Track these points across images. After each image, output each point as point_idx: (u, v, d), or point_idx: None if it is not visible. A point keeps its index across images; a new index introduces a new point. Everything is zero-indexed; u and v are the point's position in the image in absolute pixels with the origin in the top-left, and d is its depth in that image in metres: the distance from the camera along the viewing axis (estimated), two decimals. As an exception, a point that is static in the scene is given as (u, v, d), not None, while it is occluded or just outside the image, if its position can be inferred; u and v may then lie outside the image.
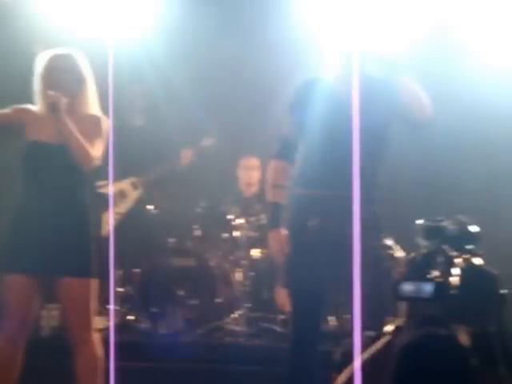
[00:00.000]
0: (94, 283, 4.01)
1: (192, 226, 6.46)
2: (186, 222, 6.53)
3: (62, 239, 3.94)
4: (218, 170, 6.89)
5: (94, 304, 4.02)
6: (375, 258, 3.56)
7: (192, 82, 6.55)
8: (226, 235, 6.32)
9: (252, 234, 6.23)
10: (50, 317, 5.66)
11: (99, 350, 4.04)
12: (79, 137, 3.90)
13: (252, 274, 6.16)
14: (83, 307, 3.97)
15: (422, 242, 2.95)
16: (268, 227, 3.97)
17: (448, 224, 2.98)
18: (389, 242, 3.99)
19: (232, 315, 5.96)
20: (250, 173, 6.68)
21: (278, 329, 5.85)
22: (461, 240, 2.99)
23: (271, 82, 6.35)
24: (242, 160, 6.74)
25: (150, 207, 6.50)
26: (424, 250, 2.93)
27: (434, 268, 2.88)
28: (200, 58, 6.71)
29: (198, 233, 6.43)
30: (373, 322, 3.16)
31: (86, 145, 3.89)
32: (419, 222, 3.00)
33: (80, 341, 4.01)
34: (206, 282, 6.09)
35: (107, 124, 4.03)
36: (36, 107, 4.06)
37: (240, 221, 6.25)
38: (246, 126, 6.76)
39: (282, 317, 5.87)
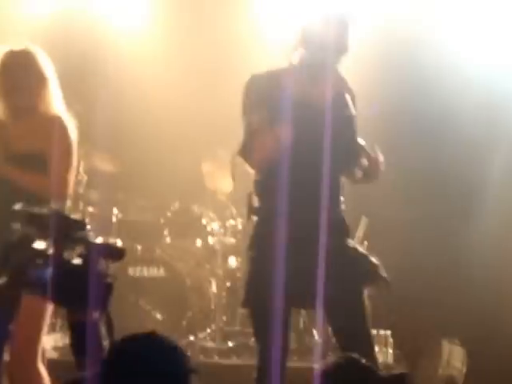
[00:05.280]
0: None
1: (162, 231, 6.20)
2: (155, 227, 6.26)
3: None
4: (191, 169, 6.58)
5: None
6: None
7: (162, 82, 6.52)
8: (199, 242, 6.13)
9: (228, 240, 6.06)
10: None
11: None
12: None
13: (228, 284, 5.97)
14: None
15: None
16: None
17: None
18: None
19: (206, 330, 5.83)
20: (209, 181, 6.42)
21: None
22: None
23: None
24: (204, 164, 6.45)
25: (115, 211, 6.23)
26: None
27: None
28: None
29: (168, 239, 6.17)
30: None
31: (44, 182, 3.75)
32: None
33: None
34: (176, 293, 5.89)
35: (71, 124, 3.91)
36: None
37: (214, 226, 6.07)
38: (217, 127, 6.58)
39: None
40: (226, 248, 6.02)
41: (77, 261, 2.49)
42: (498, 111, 6.30)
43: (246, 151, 3.49)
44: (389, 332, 5.54)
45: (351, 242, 3.62)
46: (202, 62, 6.65)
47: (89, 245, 2.51)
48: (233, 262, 6.03)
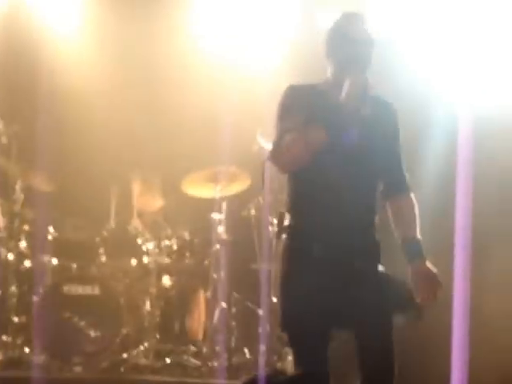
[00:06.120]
0: None
1: (97, 250, 6.10)
2: (90, 245, 6.15)
3: None
4: (126, 188, 6.57)
5: None
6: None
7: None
8: (134, 261, 6.06)
9: (163, 260, 6.04)
10: None
11: None
12: None
13: (162, 303, 5.96)
14: None
15: None
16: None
17: None
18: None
19: (139, 348, 5.79)
20: (147, 197, 6.47)
21: (189, 362, 5.70)
22: None
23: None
24: (134, 184, 6.46)
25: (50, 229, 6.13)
26: None
27: None
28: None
29: (103, 258, 6.08)
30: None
31: None
32: None
33: None
34: (110, 311, 5.81)
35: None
36: None
37: (149, 245, 6.03)
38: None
39: (193, 349, 5.76)
40: (161, 267, 6.00)
41: None
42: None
43: (275, 153, 3.28)
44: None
45: (381, 267, 3.37)
46: (137, 80, 6.64)
47: None
48: (167, 281, 6.02)
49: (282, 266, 3.33)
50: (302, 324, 3.22)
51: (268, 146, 5.73)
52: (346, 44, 3.31)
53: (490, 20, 5.83)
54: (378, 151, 3.35)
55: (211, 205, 6.10)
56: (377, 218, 3.38)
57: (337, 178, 3.27)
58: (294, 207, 3.36)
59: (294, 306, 3.25)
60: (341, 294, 3.21)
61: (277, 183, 5.52)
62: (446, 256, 4.63)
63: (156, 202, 6.52)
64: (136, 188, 6.42)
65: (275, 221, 5.66)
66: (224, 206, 6.07)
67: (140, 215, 6.40)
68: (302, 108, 3.28)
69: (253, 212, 6.08)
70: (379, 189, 3.42)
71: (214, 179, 6.11)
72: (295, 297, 3.24)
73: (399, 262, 3.35)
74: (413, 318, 3.33)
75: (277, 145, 3.27)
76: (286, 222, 3.34)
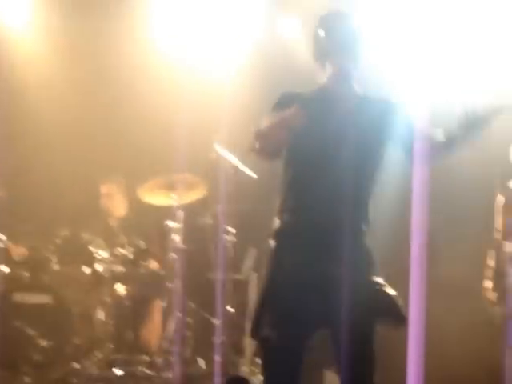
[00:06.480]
0: None
1: (50, 258, 6.02)
2: (43, 253, 6.06)
3: None
4: (81, 194, 6.53)
5: None
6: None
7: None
8: (87, 269, 5.97)
9: (117, 268, 5.95)
10: None
11: None
12: None
13: (115, 312, 5.89)
14: None
15: None
16: None
17: None
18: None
19: (92, 358, 5.72)
20: (107, 201, 6.43)
21: (143, 373, 5.66)
22: None
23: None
24: (103, 186, 6.44)
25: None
26: None
27: None
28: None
29: (56, 266, 6.00)
30: None
31: None
32: None
33: None
34: (62, 320, 5.78)
35: None
36: None
37: (104, 253, 5.96)
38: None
39: (147, 359, 5.72)
40: (115, 276, 5.93)
41: None
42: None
43: (257, 138, 3.28)
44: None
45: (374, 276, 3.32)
46: (96, 83, 6.58)
47: None
48: (121, 289, 5.94)
49: (266, 270, 3.34)
50: (276, 332, 3.21)
51: (225, 154, 5.75)
52: (330, 36, 3.32)
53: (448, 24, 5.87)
54: (363, 151, 3.32)
55: (167, 213, 6.04)
56: (367, 225, 3.37)
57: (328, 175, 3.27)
58: (281, 211, 3.36)
59: (270, 312, 3.25)
60: (319, 302, 3.21)
61: (234, 192, 5.49)
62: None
63: (121, 207, 6.47)
64: (105, 189, 6.41)
65: (231, 229, 5.67)
66: (180, 214, 6.02)
67: (100, 222, 6.36)
68: (288, 105, 3.29)
69: (209, 221, 6.04)
70: (372, 193, 3.38)
71: (170, 187, 6.06)
72: (272, 303, 3.25)
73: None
74: (394, 326, 3.29)
75: (258, 130, 3.28)
76: (275, 226, 3.35)
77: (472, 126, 3.27)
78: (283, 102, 3.32)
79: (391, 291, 3.30)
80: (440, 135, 3.37)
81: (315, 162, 3.31)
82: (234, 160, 5.77)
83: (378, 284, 3.29)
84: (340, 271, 3.20)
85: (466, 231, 5.81)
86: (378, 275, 3.34)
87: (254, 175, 5.74)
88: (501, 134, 4.62)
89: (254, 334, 3.30)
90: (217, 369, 5.57)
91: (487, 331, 5.24)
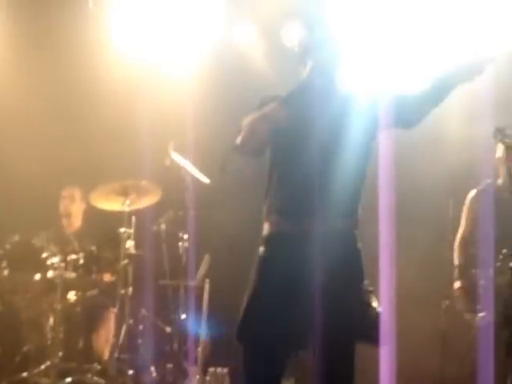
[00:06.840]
0: None
1: None
2: None
3: None
4: (36, 198, 6.44)
5: None
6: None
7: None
8: (38, 275, 5.86)
9: (69, 274, 5.85)
10: None
11: None
12: None
13: (66, 319, 5.79)
14: None
15: None
16: None
17: None
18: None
19: (41, 366, 5.61)
20: (68, 204, 6.38)
21: (93, 381, 5.56)
22: None
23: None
24: (63, 190, 6.40)
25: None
26: None
27: None
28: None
29: (5, 272, 5.87)
30: None
31: None
32: None
33: None
34: (11, 328, 5.70)
35: None
36: None
37: (55, 259, 5.85)
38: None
39: (98, 367, 5.64)
40: (66, 282, 5.83)
41: None
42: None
43: (240, 136, 3.30)
44: None
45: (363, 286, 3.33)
46: (58, 95, 6.58)
47: None
48: (72, 296, 5.86)
49: (254, 276, 3.35)
50: (259, 339, 3.25)
51: (180, 160, 5.72)
52: (311, 34, 3.39)
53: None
54: (350, 148, 3.33)
55: (120, 218, 5.98)
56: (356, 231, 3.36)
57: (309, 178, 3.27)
58: (269, 213, 3.37)
59: (254, 318, 3.28)
60: (303, 316, 3.22)
61: (188, 198, 5.48)
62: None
63: (78, 216, 6.43)
64: (68, 191, 6.38)
65: (185, 236, 5.63)
66: (133, 220, 5.98)
67: (52, 228, 6.27)
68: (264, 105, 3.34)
69: (163, 227, 6.01)
70: (361, 193, 3.39)
71: (123, 192, 6.02)
72: (257, 308, 3.28)
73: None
74: (373, 346, 3.27)
75: (240, 126, 3.31)
76: (264, 232, 3.36)
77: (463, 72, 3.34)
78: (265, 103, 3.36)
79: (376, 306, 3.30)
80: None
81: (299, 159, 3.32)
82: (188, 166, 5.75)
83: (363, 301, 3.29)
84: (330, 282, 3.21)
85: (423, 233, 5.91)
86: (364, 278, 3.35)
87: (208, 181, 5.73)
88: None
89: (239, 338, 3.32)
90: (168, 377, 5.55)
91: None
